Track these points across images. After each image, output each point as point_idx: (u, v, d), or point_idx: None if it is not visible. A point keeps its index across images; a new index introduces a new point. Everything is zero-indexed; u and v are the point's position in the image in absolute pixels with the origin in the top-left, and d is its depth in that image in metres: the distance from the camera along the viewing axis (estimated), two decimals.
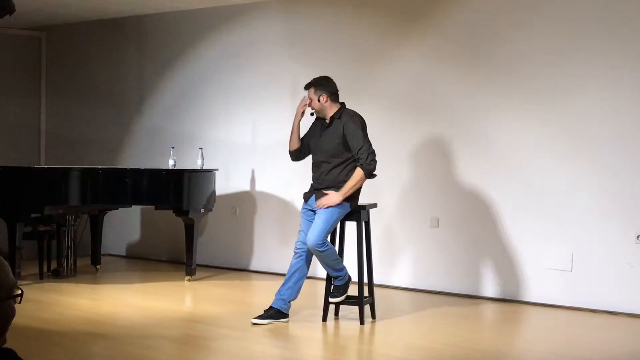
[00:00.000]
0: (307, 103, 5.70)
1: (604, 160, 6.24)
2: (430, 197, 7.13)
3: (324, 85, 5.64)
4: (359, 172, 5.49)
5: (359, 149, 5.49)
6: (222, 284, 7.58)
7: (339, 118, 5.60)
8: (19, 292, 1.93)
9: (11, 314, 1.93)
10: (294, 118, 5.83)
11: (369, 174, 5.53)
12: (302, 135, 5.83)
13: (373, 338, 5.51)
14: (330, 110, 5.63)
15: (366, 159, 5.47)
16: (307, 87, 5.67)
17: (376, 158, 5.51)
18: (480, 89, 6.84)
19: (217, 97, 8.60)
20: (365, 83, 7.39)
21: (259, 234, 8.33)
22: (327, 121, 5.64)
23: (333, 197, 5.51)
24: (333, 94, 5.64)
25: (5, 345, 1.87)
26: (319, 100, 5.61)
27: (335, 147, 5.56)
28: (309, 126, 5.83)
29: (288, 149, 5.89)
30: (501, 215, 6.74)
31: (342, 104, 5.69)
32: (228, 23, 8.49)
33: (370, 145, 5.52)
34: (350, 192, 5.52)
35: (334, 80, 5.70)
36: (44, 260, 7.67)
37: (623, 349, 5.19)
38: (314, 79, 5.71)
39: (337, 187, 5.54)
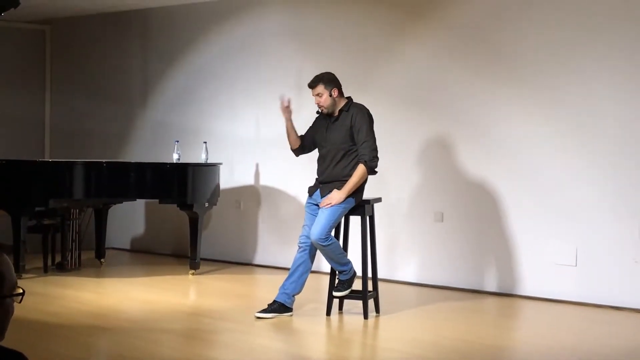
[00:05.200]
0: (286, 105, 5.76)
1: (609, 156, 6.22)
2: (434, 192, 7.12)
3: (333, 80, 5.61)
4: (361, 168, 5.48)
5: (363, 143, 5.48)
6: (226, 278, 7.58)
7: (347, 111, 5.59)
8: (21, 291, 1.98)
9: (11, 311, 1.98)
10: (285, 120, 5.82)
11: (371, 170, 5.53)
12: (299, 133, 5.84)
13: (377, 332, 5.51)
14: (340, 104, 5.62)
15: (369, 156, 5.47)
16: (315, 83, 5.60)
17: (378, 156, 5.51)
18: (485, 84, 6.82)
19: (221, 91, 8.60)
20: (370, 78, 7.37)
21: (263, 228, 8.33)
22: (336, 114, 5.63)
23: (336, 195, 5.48)
24: (340, 88, 5.64)
25: (14, 348, 1.90)
26: (330, 95, 5.58)
27: (344, 139, 5.55)
28: (313, 121, 5.83)
29: (290, 147, 5.89)
30: (506, 210, 6.73)
31: (349, 98, 5.68)
32: (232, 17, 8.48)
33: (374, 142, 5.52)
34: (353, 189, 5.51)
35: (338, 75, 5.71)
36: (49, 253, 7.68)
37: (628, 344, 5.19)
38: (320, 75, 5.66)
39: (341, 181, 5.53)
